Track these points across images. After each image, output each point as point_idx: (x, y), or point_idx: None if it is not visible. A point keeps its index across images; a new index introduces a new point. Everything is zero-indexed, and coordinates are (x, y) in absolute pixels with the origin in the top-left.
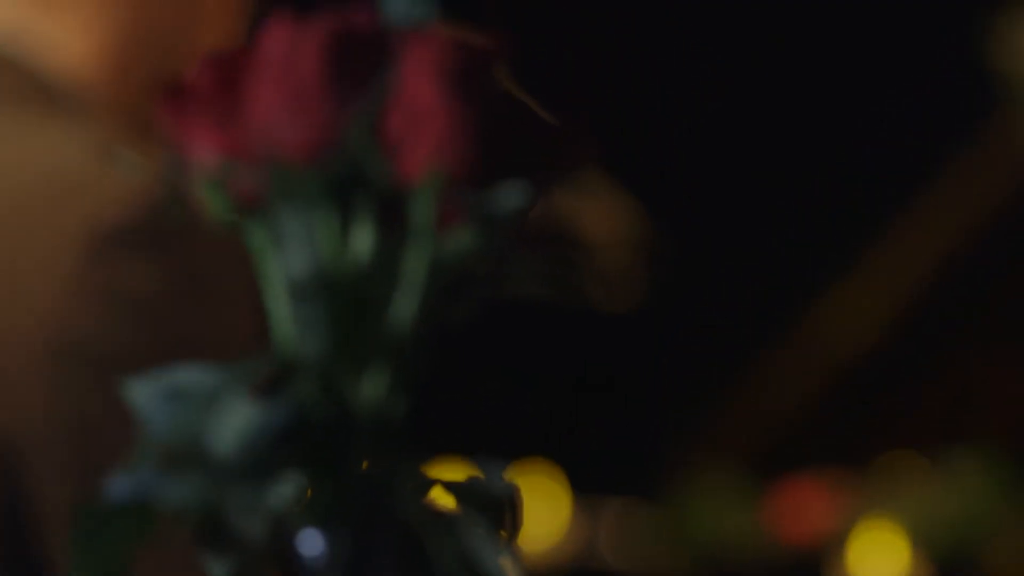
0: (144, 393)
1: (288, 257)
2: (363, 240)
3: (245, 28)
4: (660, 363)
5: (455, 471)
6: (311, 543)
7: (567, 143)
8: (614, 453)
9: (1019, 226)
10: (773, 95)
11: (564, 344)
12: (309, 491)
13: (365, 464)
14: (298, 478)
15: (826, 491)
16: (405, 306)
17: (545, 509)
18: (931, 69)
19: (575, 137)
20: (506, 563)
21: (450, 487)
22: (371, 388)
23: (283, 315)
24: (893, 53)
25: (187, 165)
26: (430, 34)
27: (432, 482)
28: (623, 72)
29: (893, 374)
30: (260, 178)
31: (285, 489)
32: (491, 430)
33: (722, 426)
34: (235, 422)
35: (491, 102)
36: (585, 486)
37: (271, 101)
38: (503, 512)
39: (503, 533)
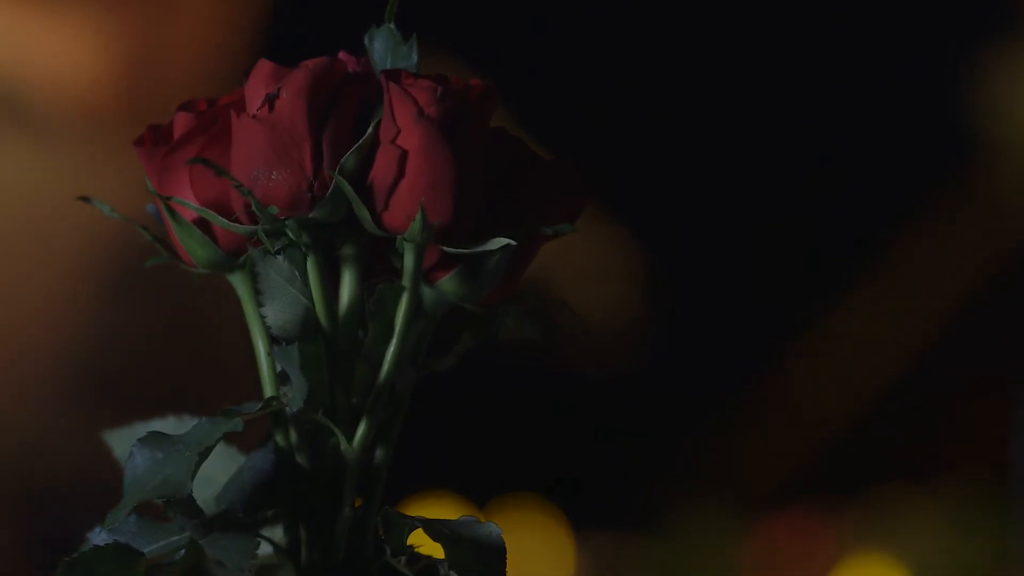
0: (125, 442)
1: (273, 304)
2: (348, 288)
3: (221, 54)
4: (651, 392)
5: (446, 509)
6: None
7: (560, 184)
8: (603, 487)
9: (1006, 265)
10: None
11: (554, 379)
12: (293, 538)
13: (354, 505)
14: (283, 526)
15: (818, 523)
16: (390, 353)
17: (547, 548)
18: (907, 117)
19: (568, 178)
20: None
21: (435, 531)
22: (356, 434)
23: (268, 361)
24: (866, 102)
25: (169, 212)
26: (415, 78)
27: (415, 525)
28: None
29: (886, 404)
30: (244, 227)
31: (270, 537)
32: (482, 465)
33: (712, 459)
34: (219, 470)
35: (479, 146)
36: (574, 520)
37: (256, 148)
38: (489, 556)
39: None
